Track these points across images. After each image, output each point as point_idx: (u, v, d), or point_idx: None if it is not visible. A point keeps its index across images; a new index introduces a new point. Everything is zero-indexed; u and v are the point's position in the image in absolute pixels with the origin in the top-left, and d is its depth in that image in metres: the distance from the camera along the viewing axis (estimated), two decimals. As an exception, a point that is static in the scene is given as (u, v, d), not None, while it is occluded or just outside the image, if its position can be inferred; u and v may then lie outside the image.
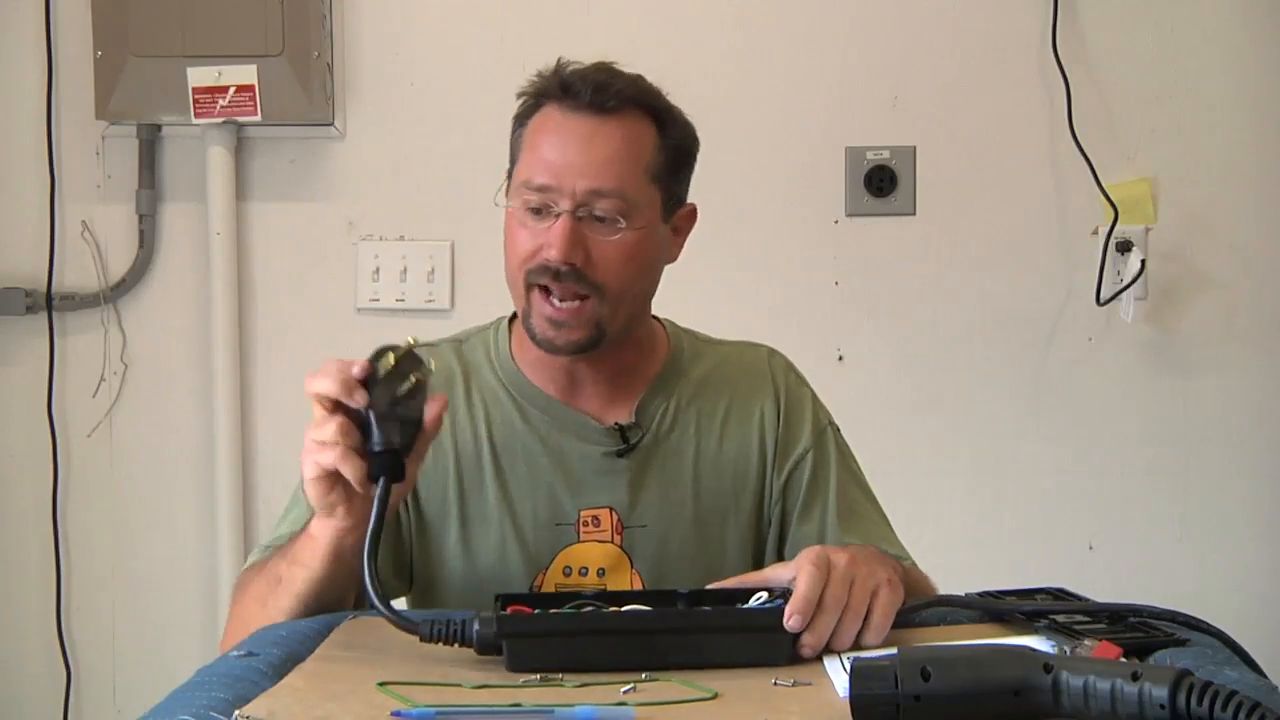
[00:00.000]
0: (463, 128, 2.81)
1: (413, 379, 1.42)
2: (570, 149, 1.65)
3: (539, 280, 1.65)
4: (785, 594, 1.32)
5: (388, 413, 1.41)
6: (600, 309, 1.66)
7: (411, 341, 1.43)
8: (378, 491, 1.40)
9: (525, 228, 1.67)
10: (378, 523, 1.39)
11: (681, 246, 1.78)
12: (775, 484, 1.77)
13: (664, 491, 1.73)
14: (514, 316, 1.78)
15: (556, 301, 1.66)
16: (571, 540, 1.71)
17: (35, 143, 2.86)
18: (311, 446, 1.43)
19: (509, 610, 1.32)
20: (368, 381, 1.40)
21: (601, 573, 1.70)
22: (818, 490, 1.77)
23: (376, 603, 1.33)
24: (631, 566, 1.70)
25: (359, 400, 1.40)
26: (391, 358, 1.41)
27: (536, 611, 1.33)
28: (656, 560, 1.71)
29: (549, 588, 1.69)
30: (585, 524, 1.71)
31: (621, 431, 1.72)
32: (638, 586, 1.69)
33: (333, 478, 1.43)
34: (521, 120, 1.72)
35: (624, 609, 1.34)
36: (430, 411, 1.44)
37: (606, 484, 1.72)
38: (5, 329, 2.88)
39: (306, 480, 1.45)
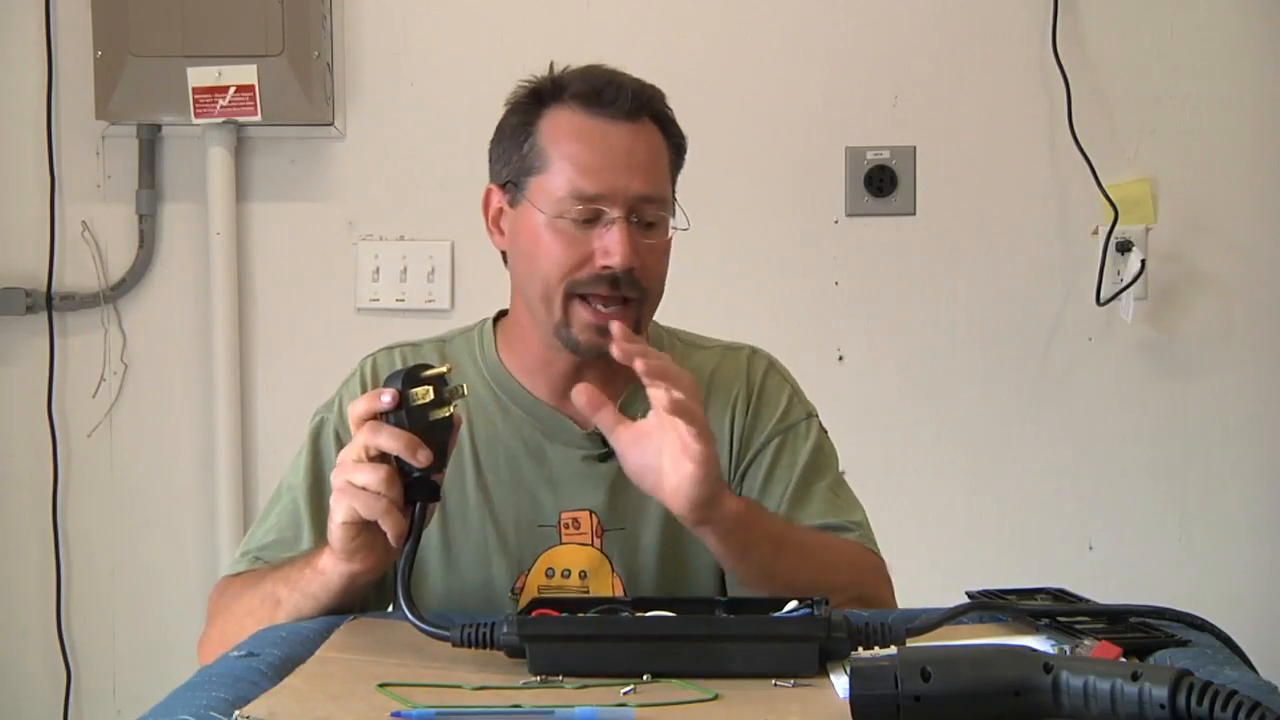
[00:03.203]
0: (463, 128, 2.80)
1: (449, 409, 1.43)
2: (615, 156, 1.64)
3: (591, 289, 1.64)
4: (815, 602, 1.31)
5: (424, 437, 1.42)
6: (642, 310, 1.67)
7: (447, 370, 1.45)
8: (415, 514, 1.42)
9: (564, 236, 1.64)
10: (414, 544, 1.41)
11: None
12: (738, 476, 1.74)
13: (641, 494, 1.68)
14: (498, 317, 1.78)
15: (601, 307, 1.64)
16: (553, 542, 1.70)
17: (35, 143, 2.86)
18: (350, 488, 1.42)
19: (535, 614, 1.32)
20: (401, 403, 1.42)
21: (584, 575, 1.69)
22: (775, 479, 1.73)
23: (411, 618, 1.34)
24: (613, 570, 1.70)
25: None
26: (430, 389, 1.42)
27: (564, 615, 1.33)
28: (634, 562, 1.70)
29: (531, 590, 1.68)
30: (566, 526, 1.71)
31: (603, 436, 1.71)
32: (619, 590, 1.68)
33: (362, 524, 1.43)
34: (529, 123, 1.68)
35: (649, 615, 1.33)
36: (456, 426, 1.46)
37: (586, 487, 1.71)
38: (5, 329, 2.88)
39: (336, 522, 1.44)
